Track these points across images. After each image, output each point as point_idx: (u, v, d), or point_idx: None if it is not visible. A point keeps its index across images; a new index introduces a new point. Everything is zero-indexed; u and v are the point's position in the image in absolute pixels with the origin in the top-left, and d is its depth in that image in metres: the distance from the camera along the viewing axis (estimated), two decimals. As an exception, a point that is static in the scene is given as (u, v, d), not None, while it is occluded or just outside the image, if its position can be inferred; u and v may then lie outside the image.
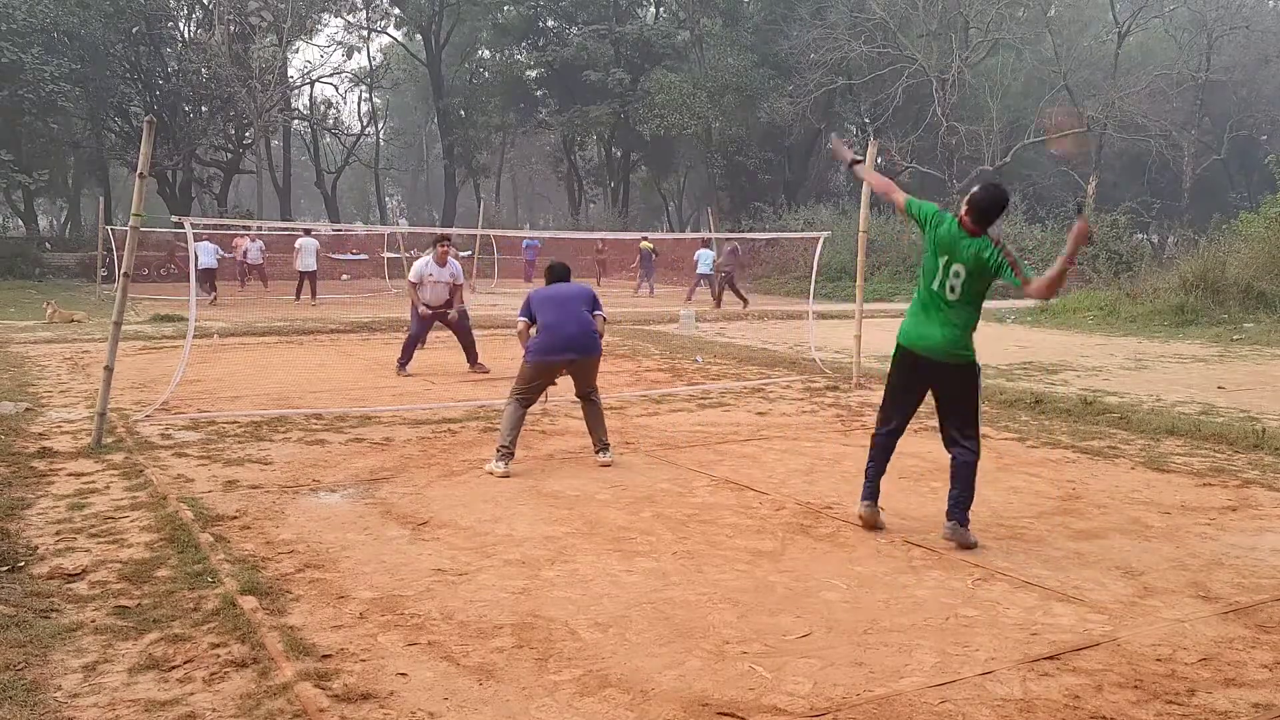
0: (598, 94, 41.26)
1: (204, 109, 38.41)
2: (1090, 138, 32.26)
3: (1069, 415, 8.59)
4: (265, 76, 36.52)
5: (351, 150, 49.91)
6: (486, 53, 50.01)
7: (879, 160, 22.80)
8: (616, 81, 40.38)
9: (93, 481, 6.10)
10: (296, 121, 46.24)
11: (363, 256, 33.70)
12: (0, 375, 10.66)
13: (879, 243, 26.45)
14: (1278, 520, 5.54)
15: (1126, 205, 29.20)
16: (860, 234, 10.81)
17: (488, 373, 11.05)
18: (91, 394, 8.89)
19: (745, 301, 21.45)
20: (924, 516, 5.52)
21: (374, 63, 50.47)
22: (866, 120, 40.38)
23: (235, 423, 8.10)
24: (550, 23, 45.19)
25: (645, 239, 26.92)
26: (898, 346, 5.13)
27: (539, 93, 47.35)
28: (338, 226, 38.94)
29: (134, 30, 35.34)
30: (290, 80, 42.98)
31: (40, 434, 7.54)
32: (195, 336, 10.26)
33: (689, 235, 32.82)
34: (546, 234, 29.93)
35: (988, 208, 4.94)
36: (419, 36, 47.69)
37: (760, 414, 8.87)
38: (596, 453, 6.77)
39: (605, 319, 6.98)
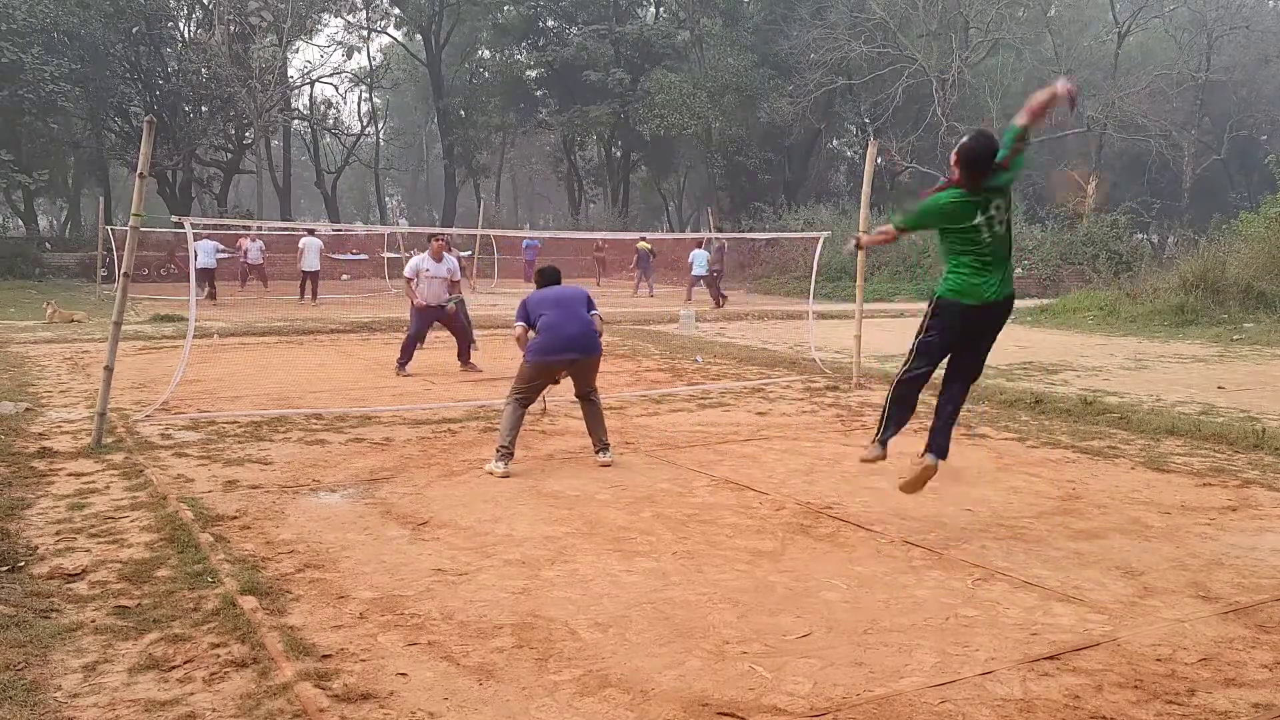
0: (598, 94, 41.26)
1: (204, 109, 38.41)
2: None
3: (1069, 415, 8.59)
4: (265, 76, 36.51)
5: (351, 150, 49.90)
6: (486, 53, 50.01)
7: (879, 160, 22.81)
8: (616, 81, 40.38)
9: (93, 481, 6.11)
10: (296, 121, 46.24)
11: (363, 256, 33.70)
12: (0, 375, 10.66)
13: (879, 242, 26.42)
14: (1278, 520, 5.54)
15: (1126, 205, 29.21)
16: (860, 234, 10.78)
17: (480, 372, 11.06)
18: (91, 394, 8.89)
19: (719, 303, 21.39)
20: (924, 516, 5.52)
21: (374, 63, 50.48)
22: (866, 120, 40.37)
23: (235, 423, 8.10)
24: (550, 23, 45.18)
25: (644, 239, 26.92)
26: (949, 303, 4.98)
27: (539, 93, 47.34)
28: (338, 226, 38.92)
29: (134, 30, 35.33)
30: (290, 80, 42.98)
31: (40, 434, 7.54)
32: (195, 336, 10.26)
33: (688, 235, 32.77)
34: (546, 234, 29.90)
35: (978, 157, 4.84)
36: (419, 36, 47.68)
37: (760, 414, 8.87)
38: (596, 453, 6.77)
39: (602, 319, 6.98)
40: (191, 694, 3.31)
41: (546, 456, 7.03)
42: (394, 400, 9.34)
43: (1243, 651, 3.74)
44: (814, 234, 14.90)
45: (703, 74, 37.96)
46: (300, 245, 22.81)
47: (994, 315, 5.05)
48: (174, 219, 14.24)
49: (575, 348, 6.63)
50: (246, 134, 40.11)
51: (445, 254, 11.16)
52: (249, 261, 25.78)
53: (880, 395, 9.91)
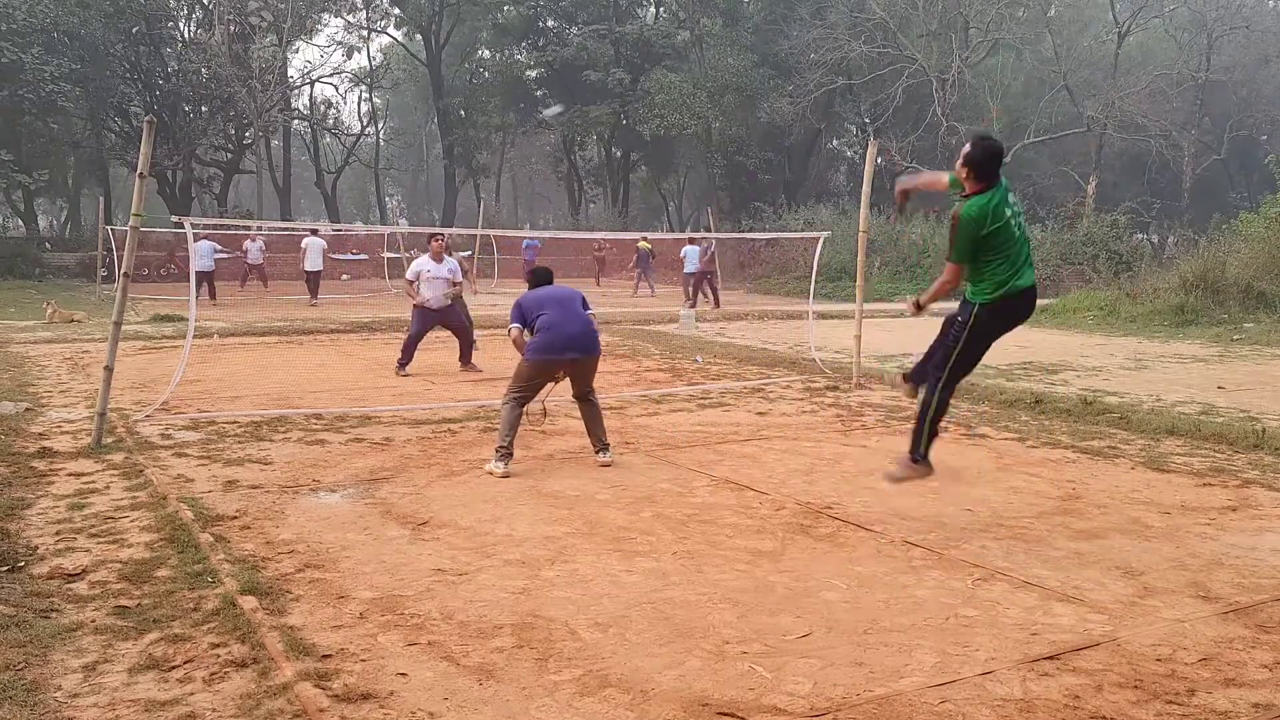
0: (598, 94, 41.26)
1: (204, 109, 38.40)
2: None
3: (1069, 415, 8.59)
4: (265, 76, 36.50)
5: (351, 150, 49.90)
6: (486, 53, 50.00)
7: (879, 160, 22.82)
8: (616, 81, 40.37)
9: (93, 481, 6.11)
10: (296, 121, 46.22)
11: (363, 256, 33.70)
12: (0, 375, 10.66)
13: (879, 243, 26.46)
14: (1278, 520, 5.54)
15: (1126, 205, 29.19)
16: (860, 234, 10.80)
17: (480, 372, 11.07)
18: (91, 394, 8.89)
19: (694, 302, 21.34)
20: (924, 516, 5.52)
21: (374, 63, 50.48)
22: (866, 120, 40.37)
23: (235, 423, 8.10)
24: (550, 23, 45.17)
25: (644, 239, 26.93)
26: (993, 305, 4.92)
27: (539, 93, 47.34)
28: (338, 226, 38.91)
29: (134, 30, 35.32)
30: (290, 80, 42.97)
31: (40, 434, 7.54)
32: (195, 336, 10.26)
33: (684, 235, 32.67)
34: (546, 234, 29.89)
35: (995, 154, 4.97)
36: (419, 36, 47.68)
37: (760, 414, 8.87)
38: (596, 453, 6.76)
39: (594, 315, 6.92)
40: (191, 694, 3.31)
41: (546, 456, 7.03)
42: (394, 400, 9.34)
43: (1243, 651, 3.74)
44: (814, 234, 14.90)
45: (703, 74, 37.95)
46: (303, 245, 22.82)
47: (1028, 305, 5.06)
48: (174, 219, 14.24)
49: (577, 346, 6.61)
50: (246, 134, 40.10)
51: (445, 255, 11.18)
52: (249, 261, 25.79)
53: (880, 395, 9.93)
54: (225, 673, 3.46)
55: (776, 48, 37.47)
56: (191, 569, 4.48)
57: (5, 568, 4.45)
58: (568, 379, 6.84)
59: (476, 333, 11.97)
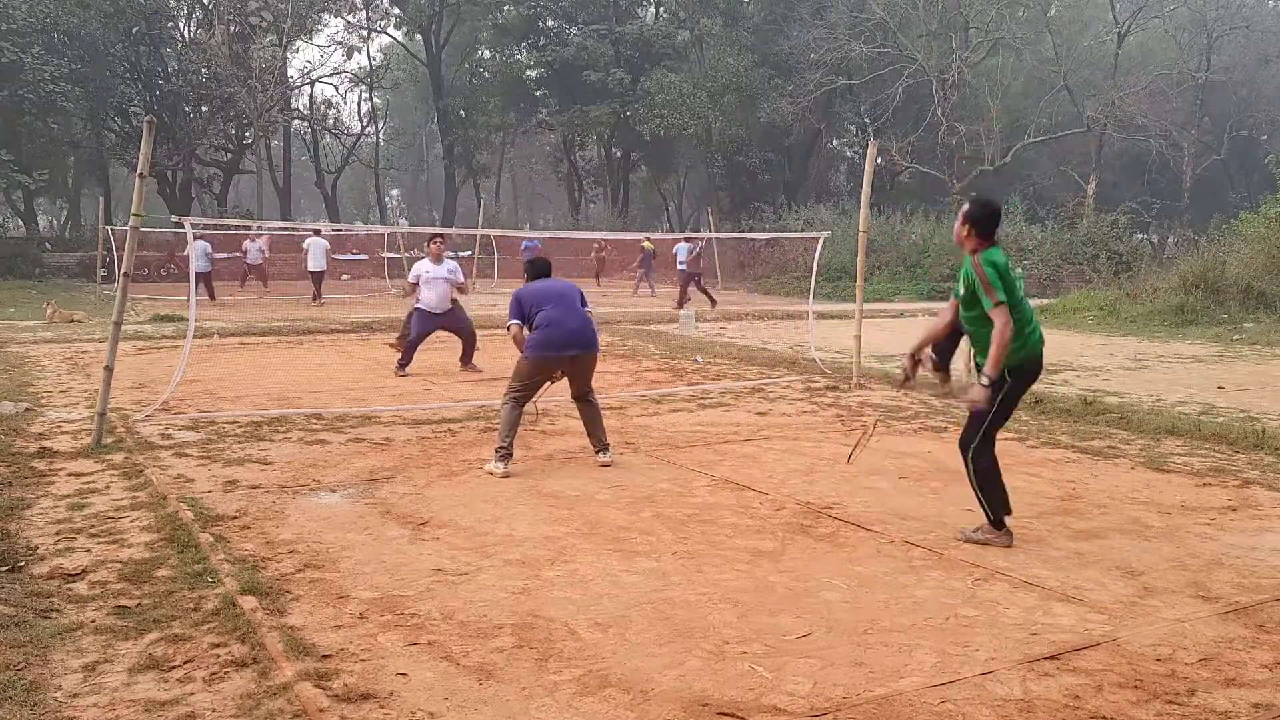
0: (598, 94, 41.26)
1: (204, 109, 38.41)
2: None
3: (1069, 415, 8.59)
4: (265, 76, 36.51)
5: (351, 150, 49.91)
6: (486, 53, 50.01)
7: (879, 160, 22.80)
8: (616, 81, 40.37)
9: (93, 481, 6.11)
10: (296, 121, 46.24)
11: (363, 256, 33.70)
12: (0, 375, 10.66)
13: (879, 243, 26.46)
14: (1278, 520, 5.54)
15: (1126, 205, 29.19)
16: (860, 234, 10.81)
17: (480, 372, 11.08)
18: (91, 394, 8.89)
19: (681, 303, 21.31)
20: (924, 516, 5.52)
21: (374, 63, 50.50)
22: (866, 120, 40.39)
23: (235, 423, 8.10)
24: (550, 23, 45.17)
25: (647, 239, 26.94)
26: (1023, 360, 4.87)
27: (539, 93, 47.34)
28: (338, 226, 38.92)
29: (134, 30, 35.33)
30: (290, 80, 42.98)
31: (40, 434, 7.54)
32: (195, 336, 10.26)
33: (684, 235, 32.64)
34: (546, 234, 29.87)
35: (998, 211, 5.00)
36: (419, 36, 47.69)
37: (760, 414, 8.87)
38: (596, 453, 6.75)
39: (591, 311, 6.88)
40: (191, 694, 3.31)
41: (546, 456, 7.03)
42: (394, 400, 9.34)
43: (1243, 651, 3.74)
44: (814, 234, 14.90)
45: (703, 74, 37.95)
46: (305, 245, 22.82)
47: (1041, 364, 5.07)
48: (174, 219, 14.24)
49: (577, 343, 6.58)
50: (246, 134, 40.10)
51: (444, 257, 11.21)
52: (248, 262, 25.80)
53: (880, 395, 9.93)
54: (225, 673, 3.46)
55: (776, 48, 37.48)
56: (191, 569, 4.48)
57: (5, 568, 4.45)
58: (566, 378, 6.82)
59: (476, 332, 11.96)
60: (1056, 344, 14.74)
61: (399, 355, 11.21)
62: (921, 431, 8.07)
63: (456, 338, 11.39)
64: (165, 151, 34.40)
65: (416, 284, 11.07)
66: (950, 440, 7.25)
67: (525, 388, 6.64)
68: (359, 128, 53.38)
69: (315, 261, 22.27)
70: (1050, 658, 3.65)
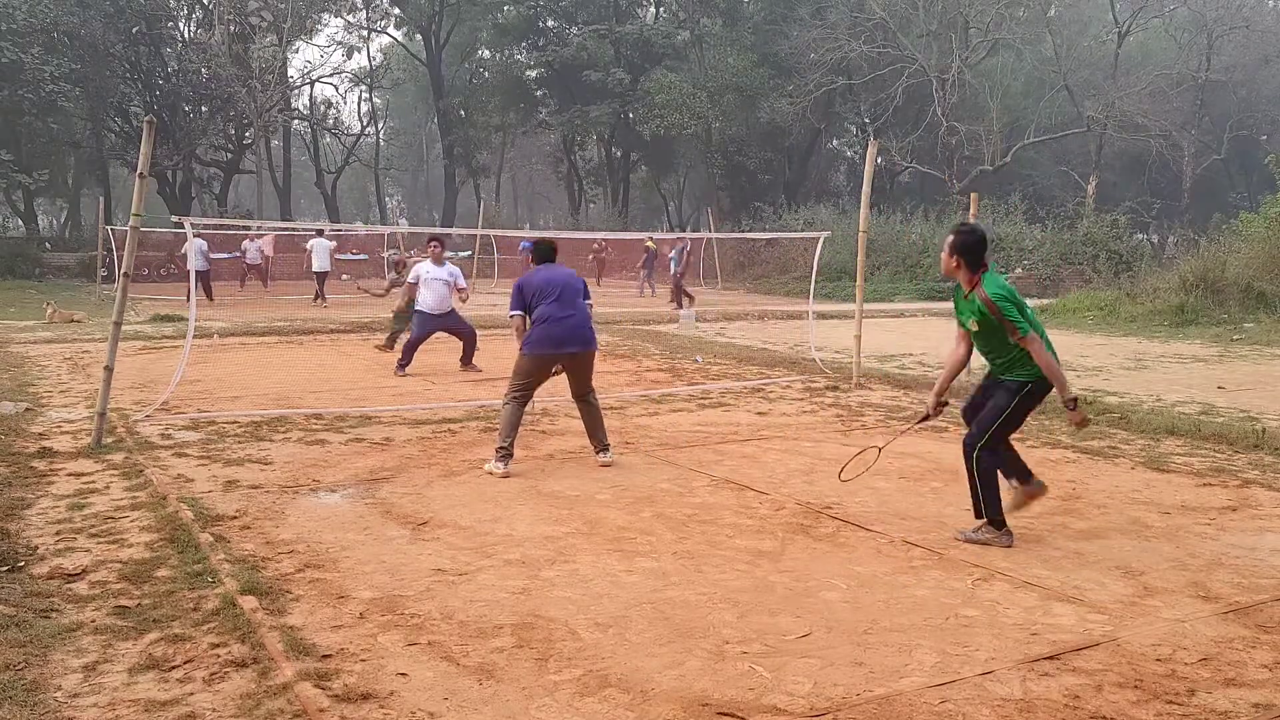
0: (598, 94, 41.25)
1: (204, 109, 38.41)
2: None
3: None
4: (265, 76, 36.51)
5: (351, 150, 49.90)
6: (486, 53, 49.99)
7: (879, 160, 22.77)
8: (616, 81, 40.37)
9: (93, 481, 6.11)
10: (296, 121, 46.23)
11: (363, 256, 33.71)
12: (0, 375, 10.66)
13: (879, 243, 26.45)
14: (1278, 520, 5.54)
15: (1126, 205, 29.22)
16: (860, 234, 10.81)
17: (480, 372, 11.08)
18: (91, 394, 8.89)
19: (680, 303, 21.29)
20: (924, 516, 5.52)
21: (374, 63, 50.49)
22: (866, 120, 40.40)
23: (235, 423, 8.10)
24: (550, 23, 45.16)
25: (650, 239, 26.96)
26: (1044, 380, 4.92)
27: (539, 93, 47.34)
28: (338, 227, 38.94)
29: (134, 30, 35.32)
30: (290, 80, 42.97)
31: (40, 434, 7.54)
32: (195, 336, 10.26)
33: (678, 236, 32.56)
34: (546, 234, 29.81)
35: (977, 242, 4.97)
36: (419, 36, 47.69)
37: (760, 414, 8.87)
38: (596, 453, 6.74)
39: (591, 304, 6.84)
40: (191, 694, 3.31)
41: (546, 456, 7.03)
42: (394, 400, 9.34)
43: (1243, 651, 3.74)
44: (814, 234, 14.90)
45: (703, 74, 37.96)
46: (308, 246, 22.82)
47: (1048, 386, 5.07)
48: (174, 219, 14.25)
49: (575, 341, 6.55)
50: (246, 134, 40.11)
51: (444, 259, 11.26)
52: (247, 262, 25.80)
53: (880, 395, 9.93)
54: (225, 673, 3.46)
55: (776, 48, 37.48)
56: (191, 569, 4.48)
57: (5, 568, 4.45)
58: (566, 375, 6.80)
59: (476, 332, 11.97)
60: (1056, 344, 14.71)
61: (399, 357, 11.21)
62: (921, 431, 8.07)
63: (456, 338, 11.39)
64: (165, 151, 34.40)
65: (415, 285, 11.08)
66: (950, 440, 7.25)
67: (525, 386, 6.63)
68: (359, 128, 53.40)
69: (319, 262, 22.26)
70: (1050, 658, 3.65)
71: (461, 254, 29.18)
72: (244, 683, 3.38)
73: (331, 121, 48.95)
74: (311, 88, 49.24)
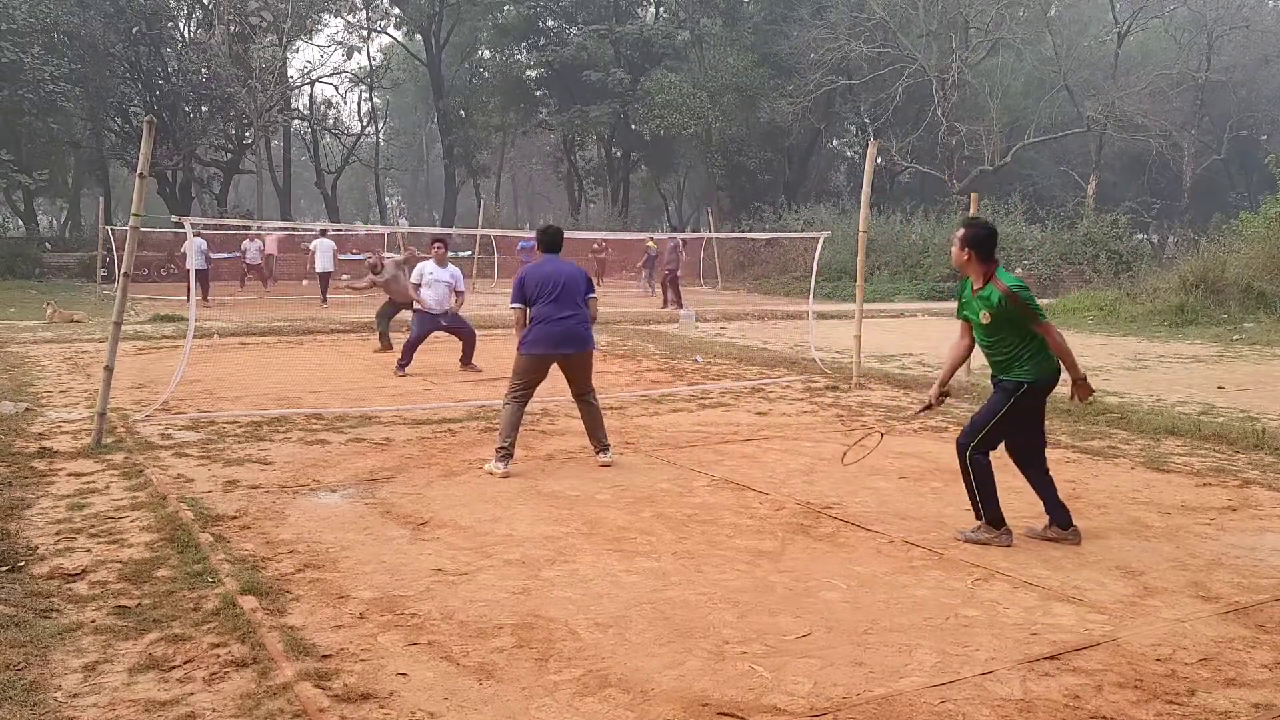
0: (598, 94, 41.25)
1: (204, 109, 38.40)
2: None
3: (1069, 415, 8.58)
4: (265, 76, 36.50)
5: (351, 150, 49.90)
6: (486, 53, 49.98)
7: (879, 160, 22.77)
8: (616, 81, 40.35)
9: (93, 481, 6.11)
10: (296, 121, 46.22)
11: (363, 257, 33.66)
12: (0, 375, 10.66)
13: (879, 243, 26.45)
14: (1278, 520, 5.54)
15: (1126, 205, 29.18)
16: (860, 234, 10.81)
17: (480, 372, 11.09)
18: (91, 394, 8.89)
19: (680, 301, 21.27)
20: (924, 516, 5.52)
21: (374, 63, 50.49)
22: (866, 120, 40.38)
23: (235, 423, 8.10)
24: (550, 23, 45.15)
25: (651, 239, 26.97)
26: (1044, 378, 5.02)
27: (539, 93, 47.33)
28: (337, 227, 38.92)
29: (134, 30, 35.32)
30: (290, 80, 42.97)
31: (40, 434, 7.54)
32: (195, 336, 10.26)
33: (670, 237, 32.52)
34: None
35: (988, 235, 5.04)
36: (419, 36, 47.68)
37: (760, 414, 8.87)
38: (596, 453, 6.74)
39: (596, 299, 6.80)
40: (191, 694, 3.31)
41: (546, 456, 7.03)
42: (394, 400, 9.34)
43: (1243, 651, 3.74)
44: (814, 234, 14.90)
45: (703, 74, 37.95)
46: (311, 246, 22.81)
47: (1049, 388, 5.10)
48: (174, 219, 14.25)
49: (571, 342, 6.55)
50: (246, 134, 40.10)
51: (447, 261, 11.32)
52: (247, 262, 25.80)
53: (880, 395, 9.93)
54: (225, 673, 3.46)
55: (776, 48, 37.47)
56: (191, 569, 4.48)
57: (5, 568, 4.45)
58: (565, 375, 6.79)
59: (476, 332, 11.99)
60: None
61: (399, 357, 11.22)
62: (921, 431, 8.07)
63: (456, 338, 11.40)
64: (165, 151, 34.38)
65: (419, 284, 11.11)
66: (950, 441, 7.24)
67: (525, 385, 6.64)
68: (359, 128, 53.40)
69: (323, 262, 22.24)
70: (1050, 658, 3.65)
71: (461, 254, 29.15)
72: (244, 683, 3.38)
73: (331, 121, 48.97)
74: (311, 88, 49.31)
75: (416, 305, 11.13)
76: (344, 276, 31.99)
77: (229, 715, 3.17)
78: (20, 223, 43.17)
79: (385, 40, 51.38)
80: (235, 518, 5.38)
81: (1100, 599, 4.27)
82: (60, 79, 30.76)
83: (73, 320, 16.88)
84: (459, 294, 11.20)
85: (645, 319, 18.38)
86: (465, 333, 11.30)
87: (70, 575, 4.42)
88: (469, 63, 49.50)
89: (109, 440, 7.21)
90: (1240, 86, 39.31)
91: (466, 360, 11.36)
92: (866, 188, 10.69)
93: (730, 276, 31.37)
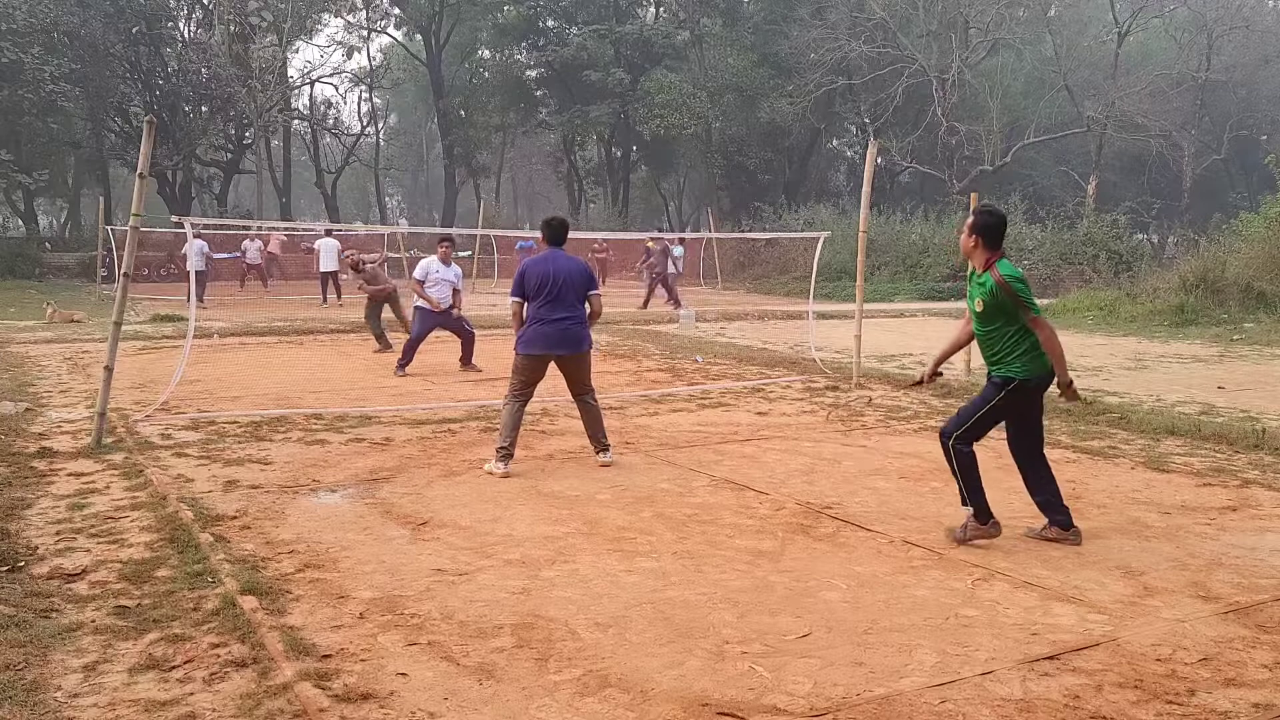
0: (598, 94, 41.25)
1: (204, 109, 38.38)
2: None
3: (1069, 415, 8.58)
4: (265, 76, 36.50)
5: (351, 150, 49.89)
6: (486, 53, 49.99)
7: (879, 160, 22.77)
8: (616, 81, 40.36)
9: (93, 481, 6.11)
10: (296, 121, 46.20)
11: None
12: (0, 375, 10.66)
13: (879, 243, 26.45)
14: (1278, 520, 5.54)
15: (1126, 205, 29.17)
16: (860, 234, 10.81)
17: (480, 372, 11.10)
18: (91, 394, 8.88)
19: (678, 301, 21.18)
20: (924, 516, 5.52)
21: (374, 63, 50.47)
22: (866, 120, 40.36)
23: (235, 423, 8.10)
24: (550, 23, 45.15)
25: (652, 239, 26.97)
26: (1036, 376, 4.94)
27: (539, 93, 47.33)
28: (339, 226, 38.92)
29: (134, 30, 35.30)
30: (290, 80, 42.94)
31: (40, 434, 7.54)
32: (195, 336, 10.26)
33: (667, 236, 32.41)
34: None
35: (998, 223, 5.07)
36: (419, 36, 47.66)
37: (760, 414, 8.87)
38: (596, 453, 6.74)
39: (600, 295, 6.78)
40: (191, 694, 3.31)
41: (546, 456, 7.03)
42: (394, 400, 9.34)
43: (1243, 651, 3.74)
44: (814, 234, 14.90)
45: (703, 74, 37.95)
46: (315, 246, 22.80)
47: (1041, 391, 5.07)
48: (174, 219, 14.26)
49: (565, 344, 6.54)
50: (246, 134, 40.09)
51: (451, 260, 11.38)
52: (247, 262, 25.80)
53: (880, 395, 9.93)
54: (225, 673, 3.46)
55: (776, 48, 37.46)
56: (191, 569, 4.48)
57: (5, 568, 4.45)
58: (563, 375, 6.79)
59: (476, 332, 12.00)
60: (1056, 344, 14.76)
61: (399, 356, 11.24)
62: (921, 431, 8.07)
63: (456, 337, 11.41)
64: (165, 151, 34.38)
65: (423, 282, 11.12)
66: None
67: (523, 384, 6.63)
68: (359, 128, 53.39)
69: (326, 262, 22.23)
70: (1050, 658, 3.65)
71: (462, 254, 29.16)
72: (244, 683, 3.38)
73: (331, 121, 48.96)
74: (311, 88, 49.22)
75: (419, 302, 11.14)
76: (344, 277, 32.20)
77: (229, 715, 3.17)
78: (20, 223, 43.16)
79: (385, 40, 51.44)
80: (235, 518, 5.38)
81: (1100, 599, 4.27)
82: (60, 79, 30.75)
83: (73, 320, 16.88)
84: (456, 292, 11.22)
85: (645, 319, 18.38)
86: (465, 331, 11.32)
87: (70, 575, 4.42)
88: (469, 63, 49.51)
89: (109, 440, 7.21)
90: (1240, 86, 39.30)
91: (466, 360, 11.38)
92: (867, 188, 10.69)
93: (730, 276, 31.37)
